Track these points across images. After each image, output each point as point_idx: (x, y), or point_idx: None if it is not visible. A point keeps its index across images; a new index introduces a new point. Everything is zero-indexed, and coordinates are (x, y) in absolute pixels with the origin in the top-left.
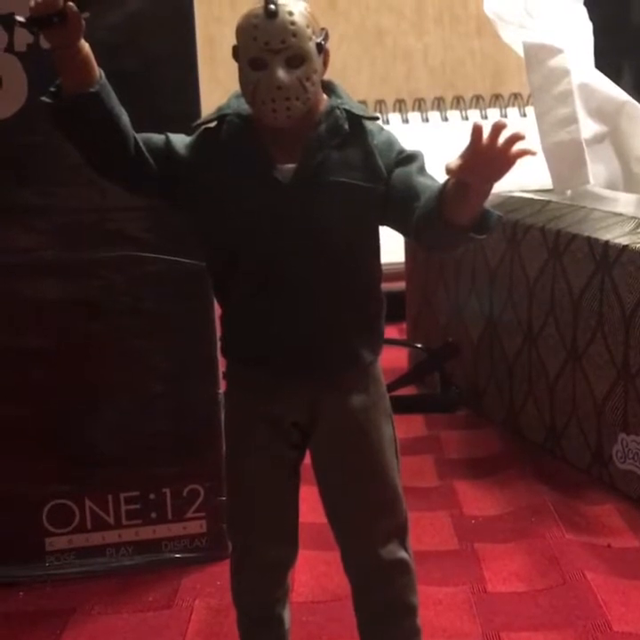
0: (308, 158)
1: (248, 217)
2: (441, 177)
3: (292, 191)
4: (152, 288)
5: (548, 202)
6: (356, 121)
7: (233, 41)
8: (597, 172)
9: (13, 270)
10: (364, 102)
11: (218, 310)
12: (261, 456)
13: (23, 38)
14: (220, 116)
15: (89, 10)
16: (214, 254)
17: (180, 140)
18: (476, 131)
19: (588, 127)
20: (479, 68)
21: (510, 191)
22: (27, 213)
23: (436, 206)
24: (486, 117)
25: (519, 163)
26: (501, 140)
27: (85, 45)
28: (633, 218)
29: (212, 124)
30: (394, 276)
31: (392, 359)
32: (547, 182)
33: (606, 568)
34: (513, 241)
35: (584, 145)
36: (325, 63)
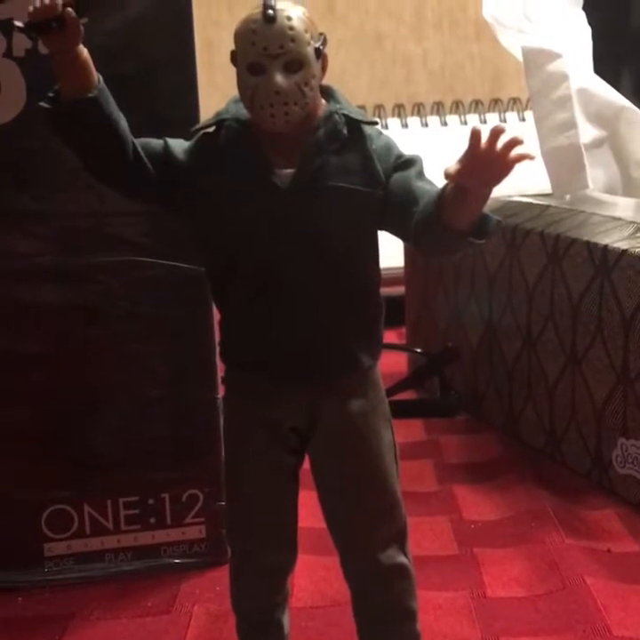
0: (306, 163)
1: (247, 222)
2: (440, 181)
3: (291, 196)
4: (150, 293)
5: (547, 206)
6: (355, 126)
7: (231, 45)
8: (596, 176)
9: (12, 275)
10: (362, 107)
11: (216, 315)
12: (260, 461)
13: (22, 43)
14: (219, 121)
15: (88, 15)
16: (213, 259)
17: (179, 145)
18: (475, 135)
19: (587, 132)
20: (478, 72)
21: (509, 195)
22: (25, 218)
23: (435, 211)
24: (485, 122)
25: (518, 167)
26: (500, 144)
27: (84, 51)
28: (632, 222)
29: (211, 129)
30: (393, 280)
31: (391, 364)
32: (546, 187)
33: (606, 573)
34: (512, 245)
35: (583, 150)
36: (324, 68)
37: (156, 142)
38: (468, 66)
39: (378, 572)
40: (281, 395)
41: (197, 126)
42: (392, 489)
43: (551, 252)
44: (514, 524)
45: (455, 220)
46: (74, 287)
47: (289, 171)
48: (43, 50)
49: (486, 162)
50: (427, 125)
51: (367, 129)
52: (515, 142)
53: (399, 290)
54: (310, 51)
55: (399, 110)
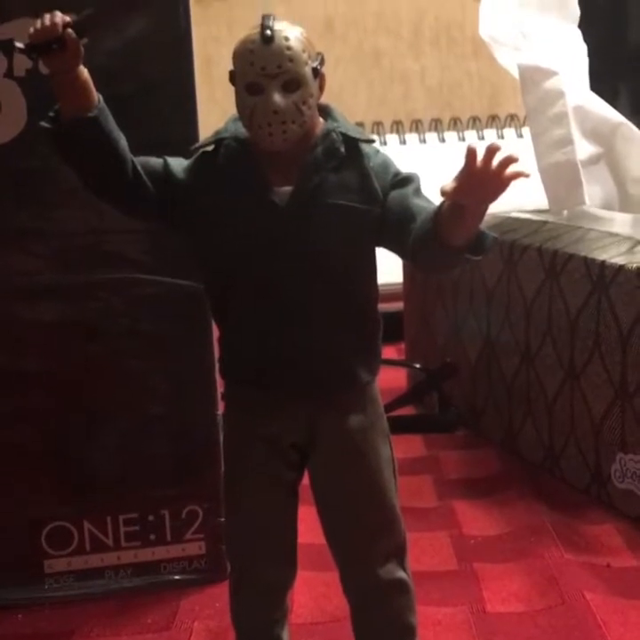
0: (304, 181)
1: (245, 239)
2: (438, 198)
3: (289, 214)
4: (150, 310)
5: (545, 222)
6: (353, 144)
7: (230, 61)
8: (593, 192)
9: (12, 293)
10: (361, 124)
11: (216, 331)
12: (260, 476)
13: (22, 63)
14: (218, 140)
15: (88, 36)
16: (212, 276)
17: (178, 164)
18: (471, 153)
19: (584, 148)
20: (476, 89)
21: (507, 212)
22: (25, 236)
23: (432, 228)
24: (483, 138)
25: (514, 184)
26: (495, 162)
27: (84, 71)
28: (629, 238)
29: (210, 148)
30: (392, 296)
31: (390, 379)
32: (543, 203)
33: (605, 588)
34: (510, 261)
35: (579, 166)
36: (321, 87)
37: (155, 161)
38: (466, 83)
39: (377, 587)
40: (280, 410)
41: (196, 145)
42: (391, 504)
43: (549, 267)
44: (513, 540)
45: (452, 236)
46: (73, 304)
47: (287, 188)
48: (43, 70)
49: (482, 179)
50: (425, 142)
51: (365, 147)
52: (510, 160)
53: (398, 305)
54: (308, 70)
55: (397, 127)
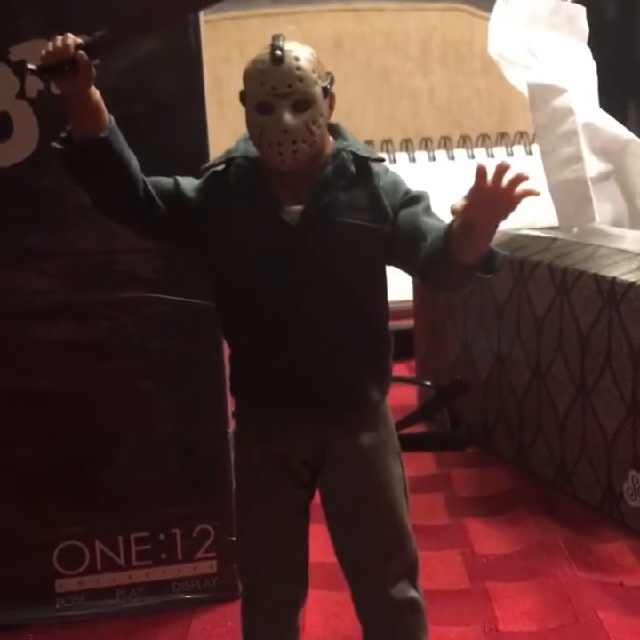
0: (314, 200)
1: (256, 258)
2: (448, 216)
3: (300, 232)
4: (161, 328)
5: (555, 239)
6: (363, 163)
7: (240, 81)
8: (603, 209)
9: (23, 312)
10: (370, 142)
11: (227, 350)
12: (271, 495)
13: (34, 85)
14: (228, 160)
15: (99, 57)
16: (222, 295)
17: (189, 183)
18: (481, 172)
19: (593, 165)
20: (485, 106)
21: (517, 229)
22: (36, 256)
23: (443, 246)
24: (493, 156)
25: (525, 201)
26: (505, 180)
27: (96, 92)
28: (639, 255)
29: (221, 168)
30: (402, 313)
31: (401, 397)
32: (553, 220)
33: (618, 606)
34: (520, 278)
35: (589, 183)
36: (331, 106)
37: (166, 181)
38: (475, 100)
39: (389, 606)
40: (291, 429)
41: (207, 164)
42: (402, 523)
43: (559, 284)
44: (525, 558)
45: (462, 255)
46: (85, 323)
47: (298, 207)
48: (55, 91)
49: (492, 198)
50: (434, 159)
51: (374, 166)
52: (520, 179)
53: (408, 323)
54: (318, 90)
55: (407, 145)
